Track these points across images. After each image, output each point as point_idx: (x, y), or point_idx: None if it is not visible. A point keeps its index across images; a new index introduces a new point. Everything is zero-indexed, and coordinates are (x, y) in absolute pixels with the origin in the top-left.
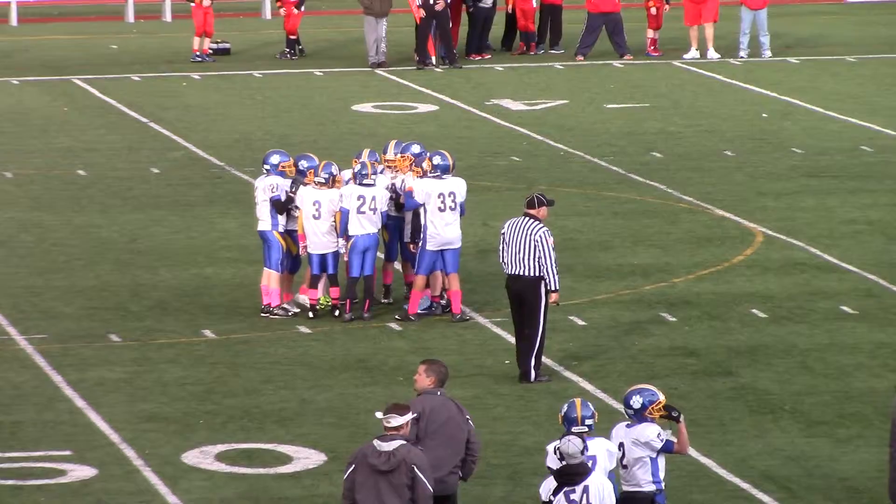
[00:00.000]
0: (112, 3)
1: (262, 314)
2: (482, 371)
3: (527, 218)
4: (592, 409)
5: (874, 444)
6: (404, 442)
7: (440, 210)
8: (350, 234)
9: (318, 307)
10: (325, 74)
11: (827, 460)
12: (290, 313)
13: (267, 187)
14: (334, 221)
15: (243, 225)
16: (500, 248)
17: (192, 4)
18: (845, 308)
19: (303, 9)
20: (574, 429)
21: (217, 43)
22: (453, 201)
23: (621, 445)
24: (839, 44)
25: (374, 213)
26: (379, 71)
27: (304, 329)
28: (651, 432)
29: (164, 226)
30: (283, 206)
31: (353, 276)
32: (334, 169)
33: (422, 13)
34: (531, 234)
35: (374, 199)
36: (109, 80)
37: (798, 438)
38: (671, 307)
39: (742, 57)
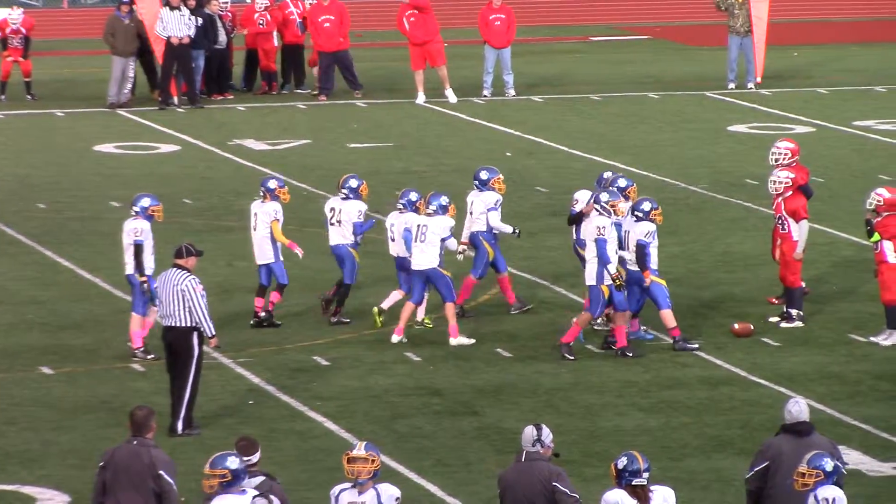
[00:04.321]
0: None
1: (132, 357)
2: (226, 412)
3: (176, 269)
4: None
5: None
6: (265, 477)
7: None
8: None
9: (262, 317)
10: (66, 115)
11: None
12: (149, 357)
13: (130, 231)
14: (270, 233)
15: None
16: (157, 301)
17: None
18: (591, 347)
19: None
20: None
21: None
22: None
23: None
24: (584, 82)
25: (340, 226)
26: (121, 111)
27: (47, 370)
28: None
29: None
30: (140, 253)
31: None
32: (271, 184)
33: (165, 51)
34: (179, 284)
35: (340, 211)
36: None
37: None
38: (415, 346)
39: (486, 96)
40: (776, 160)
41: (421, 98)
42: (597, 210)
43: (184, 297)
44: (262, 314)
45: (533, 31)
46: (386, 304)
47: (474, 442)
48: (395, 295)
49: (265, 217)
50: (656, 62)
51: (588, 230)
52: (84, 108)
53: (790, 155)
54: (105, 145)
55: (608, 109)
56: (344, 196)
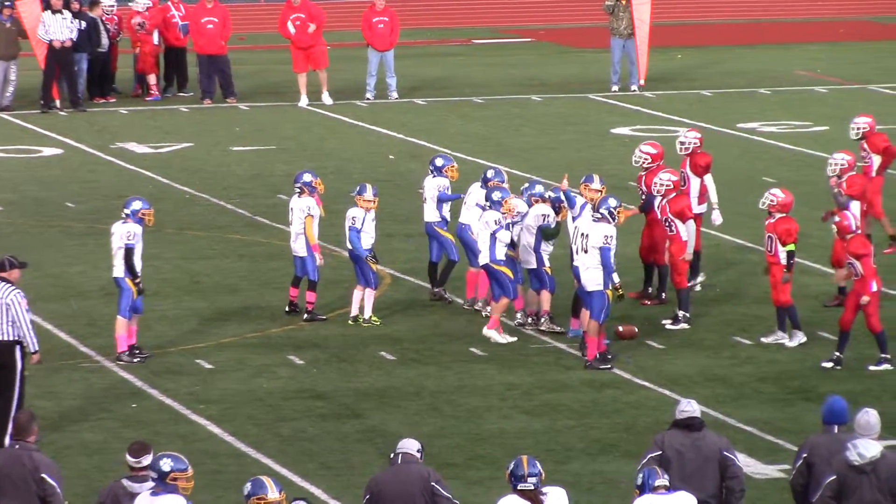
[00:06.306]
0: None
1: (117, 361)
2: (110, 416)
3: (0, 282)
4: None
5: (505, 486)
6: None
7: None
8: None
9: (295, 306)
10: None
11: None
12: (135, 360)
13: (123, 234)
14: (304, 228)
15: None
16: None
17: None
18: (475, 350)
19: None
20: None
21: None
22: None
23: None
24: (466, 85)
25: (426, 203)
26: (3, 114)
27: None
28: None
29: None
30: (131, 256)
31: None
32: (306, 177)
33: (47, 54)
34: (3, 298)
35: (426, 188)
36: None
37: None
38: (299, 350)
39: (369, 98)
40: (637, 163)
41: (304, 101)
42: (599, 217)
43: (8, 310)
44: (294, 305)
45: (416, 34)
46: (355, 310)
47: (358, 445)
48: (357, 294)
49: (300, 212)
50: (539, 65)
51: (593, 237)
52: None
53: (650, 160)
54: None
55: (491, 112)
56: (431, 174)
